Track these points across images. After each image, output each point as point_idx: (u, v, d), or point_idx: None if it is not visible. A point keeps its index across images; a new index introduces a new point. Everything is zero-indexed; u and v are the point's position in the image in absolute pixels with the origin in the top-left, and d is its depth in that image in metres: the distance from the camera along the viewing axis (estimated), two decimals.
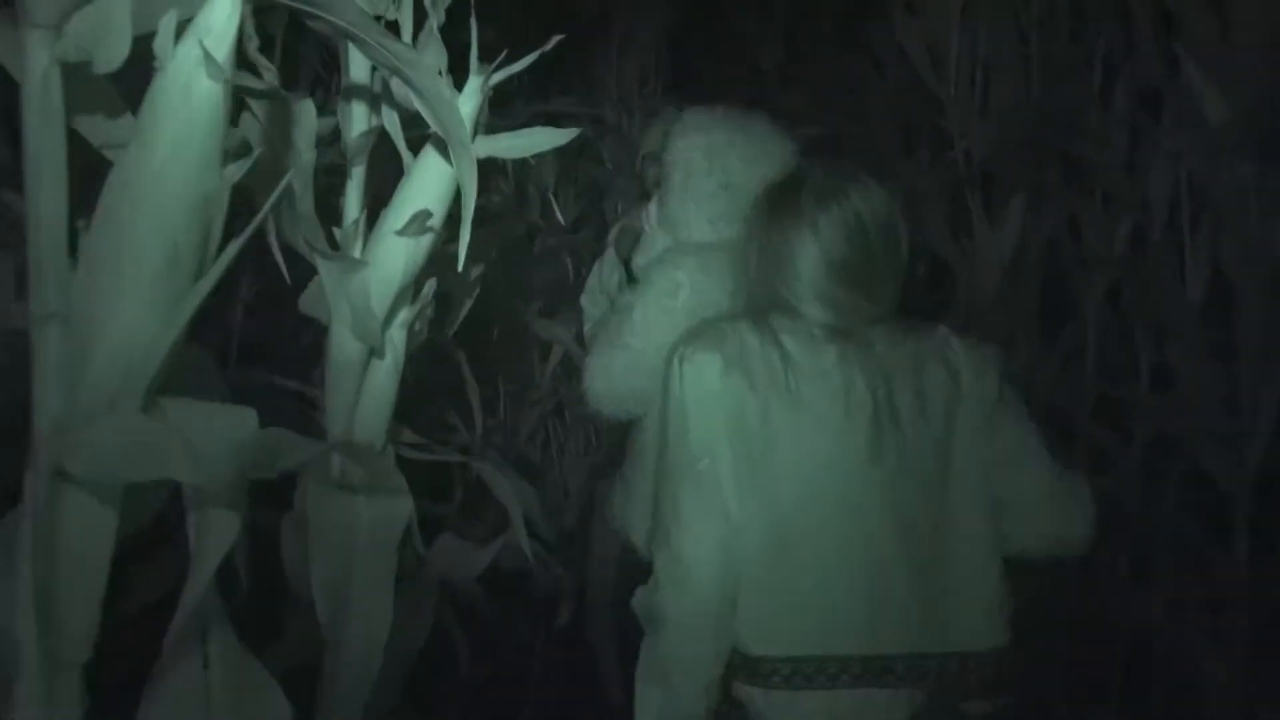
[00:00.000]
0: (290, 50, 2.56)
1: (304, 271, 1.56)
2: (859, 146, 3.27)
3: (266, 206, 0.86)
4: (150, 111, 0.80)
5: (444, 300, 1.92)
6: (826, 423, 1.38)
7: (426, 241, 1.46)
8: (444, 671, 2.30)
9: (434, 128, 1.21)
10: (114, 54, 0.78)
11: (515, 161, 3.04)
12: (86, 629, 0.81)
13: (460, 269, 1.24)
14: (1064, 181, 2.83)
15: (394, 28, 1.43)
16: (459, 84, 1.40)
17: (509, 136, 1.48)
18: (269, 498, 1.47)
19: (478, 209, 2.05)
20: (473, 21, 1.36)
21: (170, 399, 0.84)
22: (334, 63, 2.67)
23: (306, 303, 1.61)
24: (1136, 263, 2.77)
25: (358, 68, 1.47)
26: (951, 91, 2.82)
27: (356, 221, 1.50)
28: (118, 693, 0.90)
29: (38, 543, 0.79)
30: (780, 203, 1.46)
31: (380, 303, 1.48)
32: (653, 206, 2.34)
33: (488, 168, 1.50)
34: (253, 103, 1.28)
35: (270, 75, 1.01)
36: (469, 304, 1.89)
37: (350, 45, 1.28)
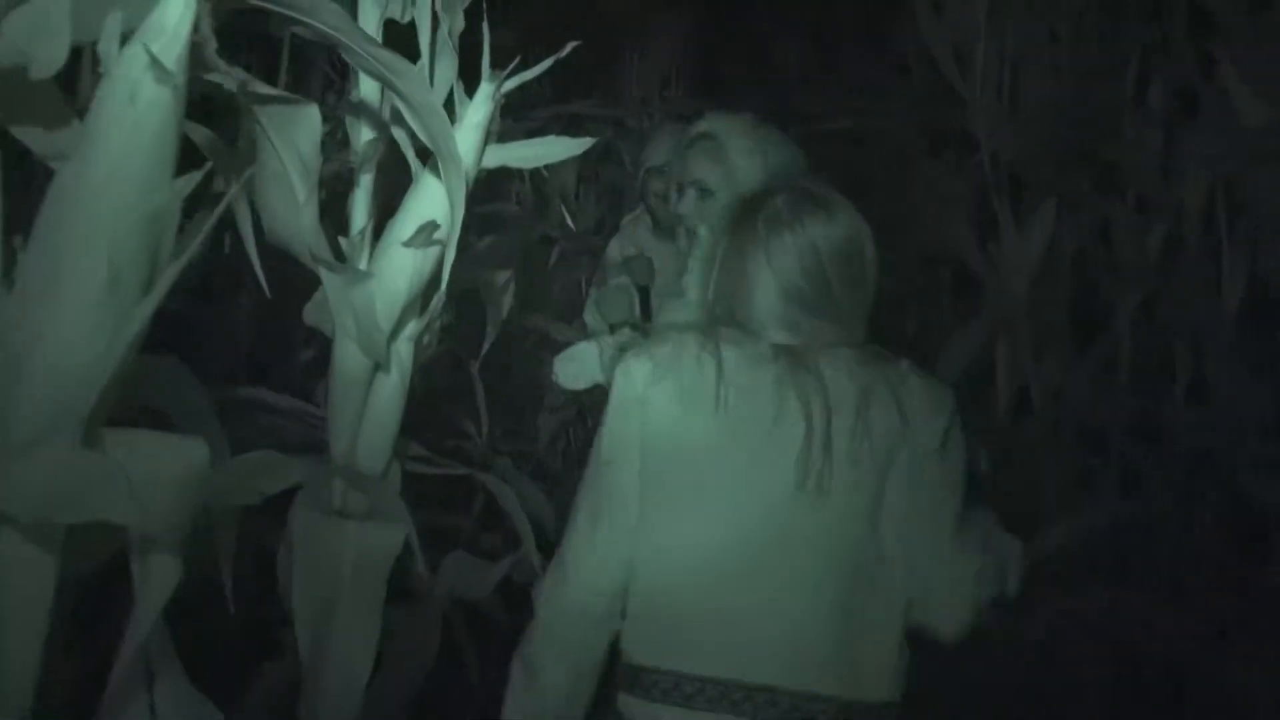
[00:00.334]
0: (302, 54, 2.54)
1: (312, 282, 1.52)
2: (882, 149, 3.19)
3: (216, 211, 0.80)
4: (94, 120, 0.75)
5: (466, 309, 1.88)
6: (752, 442, 1.33)
7: (434, 253, 1.40)
8: (454, 683, 2.25)
9: (422, 137, 1.15)
10: (52, 57, 0.73)
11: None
12: (25, 682, 0.75)
13: (444, 285, 1.19)
14: (1095, 186, 2.75)
15: (408, 30, 1.39)
16: (472, 90, 1.35)
17: (521, 146, 1.43)
18: (279, 512, 1.42)
19: (492, 215, 2.00)
20: (484, 27, 1.31)
21: (114, 430, 0.78)
22: (345, 67, 2.64)
23: (311, 314, 1.57)
24: (1171, 271, 2.69)
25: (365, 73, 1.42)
26: (978, 92, 2.74)
27: (363, 231, 1.46)
28: None
29: None
30: (740, 222, 1.43)
31: (386, 315, 1.43)
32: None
33: (502, 173, 1.46)
34: (256, 108, 1.23)
35: (230, 80, 0.94)
36: (502, 316, 1.84)
37: None
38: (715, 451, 1.34)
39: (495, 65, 1.34)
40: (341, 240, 1.47)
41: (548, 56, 1.36)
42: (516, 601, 2.05)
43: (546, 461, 3.69)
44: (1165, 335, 2.76)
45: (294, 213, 1.32)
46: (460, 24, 1.35)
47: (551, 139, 1.44)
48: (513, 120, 3.03)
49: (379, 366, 1.49)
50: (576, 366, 2.74)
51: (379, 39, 1.32)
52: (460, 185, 1.15)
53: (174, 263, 0.77)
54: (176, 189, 0.77)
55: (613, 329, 2.62)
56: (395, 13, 1.38)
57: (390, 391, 1.51)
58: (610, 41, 3.73)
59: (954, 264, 3.03)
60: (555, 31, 3.62)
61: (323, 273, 1.41)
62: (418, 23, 1.37)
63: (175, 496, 0.75)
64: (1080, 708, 2.85)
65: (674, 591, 1.35)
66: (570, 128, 3.69)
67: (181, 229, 0.83)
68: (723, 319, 1.41)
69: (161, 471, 0.75)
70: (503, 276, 1.94)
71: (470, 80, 1.35)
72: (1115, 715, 2.83)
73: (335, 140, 1.94)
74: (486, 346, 1.95)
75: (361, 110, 1.43)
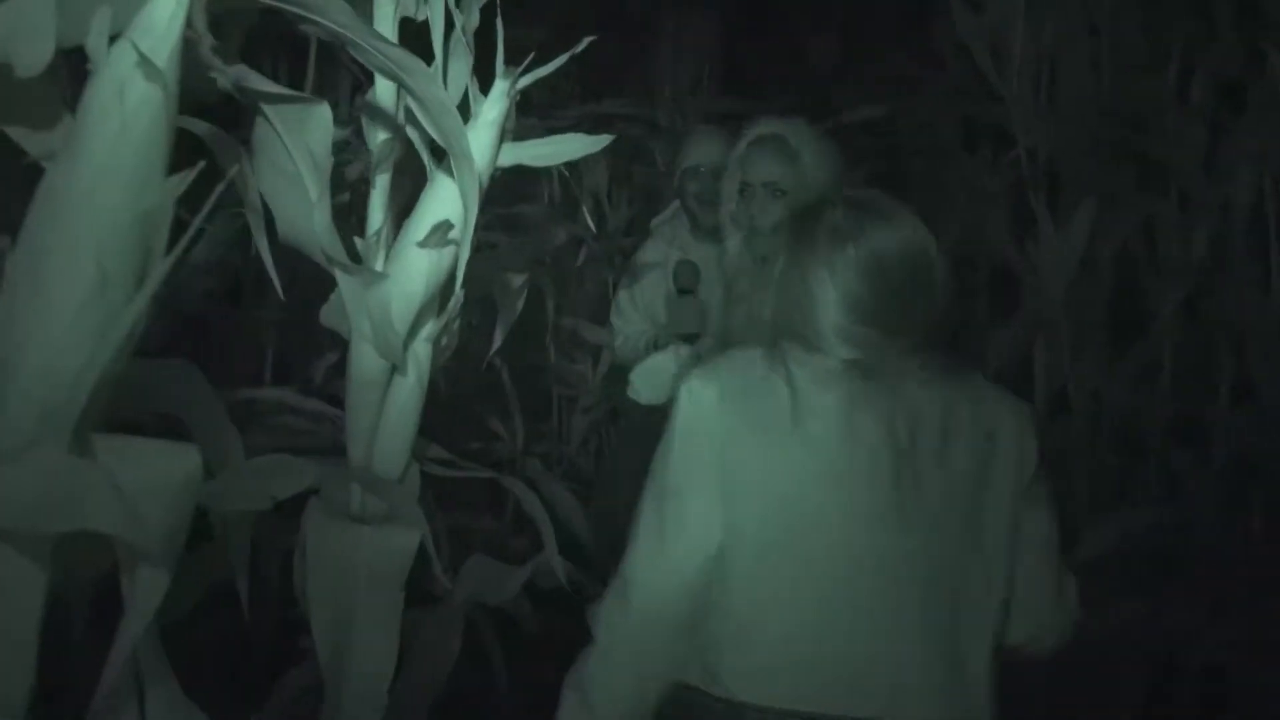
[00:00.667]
0: (329, 54, 2.54)
1: (330, 280, 1.51)
2: (917, 146, 3.15)
3: (201, 214, 0.77)
4: (82, 118, 0.73)
5: (490, 308, 1.86)
6: (832, 465, 1.28)
7: (450, 254, 1.39)
8: (481, 688, 2.24)
9: (434, 136, 1.13)
10: (37, 56, 0.71)
11: (567, 165, 3.00)
12: (18, 692, 0.73)
13: (459, 286, 1.17)
14: (1137, 183, 2.69)
15: (423, 29, 1.37)
16: (486, 87, 1.33)
17: (538, 144, 1.40)
18: (287, 512, 1.41)
19: (515, 216, 1.98)
20: (498, 23, 1.29)
21: (102, 436, 0.76)
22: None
23: (328, 316, 1.55)
24: (1216, 270, 2.62)
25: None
26: (1014, 88, 2.68)
27: (379, 232, 1.44)
28: None
29: None
30: (799, 237, 1.38)
31: (402, 317, 1.42)
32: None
33: (532, 174, 1.44)
34: (266, 107, 1.22)
35: (225, 78, 0.92)
36: (513, 317, 1.82)
37: None
38: (793, 476, 1.29)
39: (517, 63, 1.32)
40: (358, 241, 1.46)
41: (579, 56, 1.33)
42: (545, 606, 2.04)
43: (578, 463, 3.69)
44: (1209, 336, 2.68)
45: (306, 213, 1.30)
46: (475, 21, 1.32)
47: (569, 136, 1.42)
48: (540, 120, 3.02)
49: (396, 368, 1.47)
50: (655, 380, 2.72)
51: (395, 37, 1.30)
52: (473, 184, 1.13)
53: (162, 261, 0.75)
54: (168, 188, 0.75)
55: (683, 292, 2.62)
56: (410, 10, 1.36)
57: (408, 393, 1.50)
58: (641, 40, 3.71)
59: (991, 263, 2.98)
60: (585, 30, 3.61)
61: (338, 274, 1.40)
62: (430, 20, 1.35)
63: (166, 505, 0.73)
64: (1119, 718, 2.79)
65: (765, 622, 1.29)
66: (600, 127, 3.66)
67: (202, 232, 0.82)
68: (787, 336, 1.35)
69: (152, 479, 0.73)
70: (519, 278, 1.92)
71: (489, 78, 1.33)
72: None
73: (360, 141, 1.94)
74: (496, 346, 1.92)
75: (376, 110, 1.41)
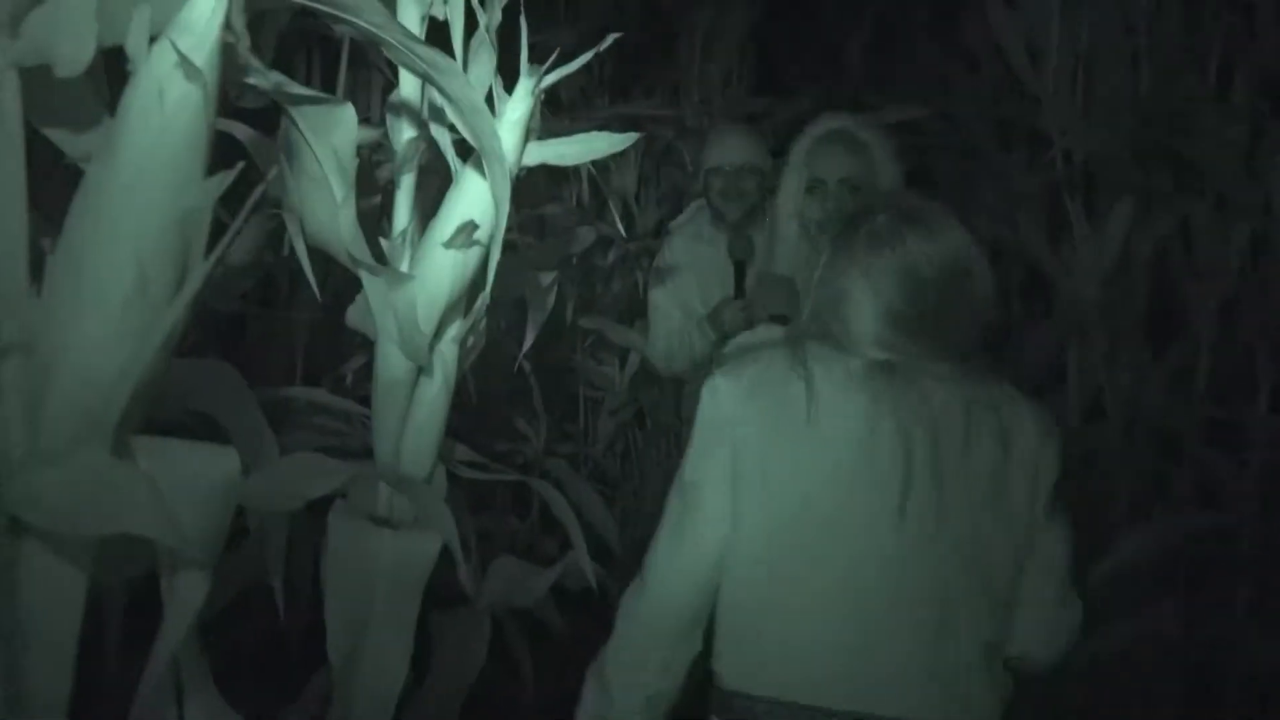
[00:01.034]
0: (361, 54, 2.55)
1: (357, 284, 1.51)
2: (951, 146, 3.11)
3: (242, 216, 0.77)
4: (122, 119, 0.73)
5: (520, 308, 1.86)
6: (846, 464, 1.29)
7: (476, 254, 1.38)
8: (510, 691, 2.23)
9: (465, 135, 1.13)
10: (77, 56, 0.71)
11: (596, 166, 3.01)
12: (56, 700, 0.73)
13: (488, 287, 1.16)
14: (1174, 184, 2.64)
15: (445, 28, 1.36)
16: (512, 86, 1.33)
17: (563, 143, 1.40)
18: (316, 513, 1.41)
19: (543, 218, 1.97)
20: (522, 20, 1.28)
21: (143, 438, 0.76)
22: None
23: (354, 317, 1.55)
24: (1255, 272, 2.57)
25: (407, 72, 1.40)
26: (1050, 88, 2.64)
27: (404, 233, 1.44)
28: None
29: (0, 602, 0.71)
30: (840, 240, 1.38)
31: (428, 318, 1.41)
32: None
33: (561, 175, 1.43)
34: (292, 109, 1.22)
35: (263, 79, 0.92)
36: (543, 318, 1.82)
37: None
38: (807, 473, 1.30)
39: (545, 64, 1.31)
40: (383, 242, 1.45)
41: (608, 56, 1.32)
42: (571, 609, 2.03)
43: (605, 465, 3.67)
44: (1247, 338, 2.63)
45: (332, 215, 1.30)
46: (498, 19, 1.32)
47: (594, 134, 1.41)
48: (570, 120, 3.02)
49: (422, 369, 1.47)
50: None
51: (422, 36, 1.30)
52: (505, 183, 1.12)
53: (204, 263, 0.75)
54: (207, 189, 0.75)
55: (738, 266, 2.57)
56: (436, 10, 1.36)
57: (434, 394, 1.49)
58: (671, 41, 3.69)
59: (1026, 264, 2.94)
60: (617, 30, 3.60)
61: (363, 275, 1.40)
62: (450, 19, 1.34)
63: (206, 507, 0.73)
64: None
65: (770, 617, 1.31)
66: (629, 128, 3.65)
67: (240, 234, 0.82)
68: (817, 335, 1.36)
69: (192, 481, 0.73)
70: (548, 278, 1.91)
71: (511, 78, 1.33)
72: None
73: (389, 142, 1.94)
74: (526, 347, 1.93)
75: (402, 110, 1.41)
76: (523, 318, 1.85)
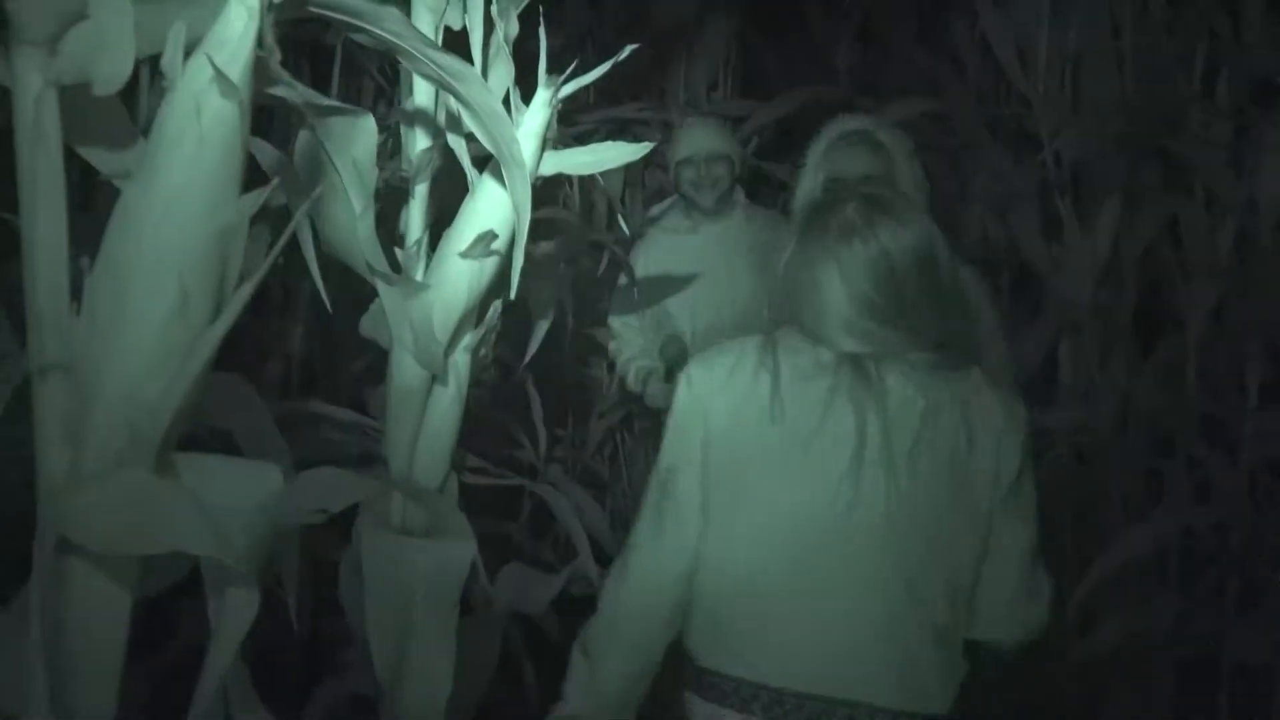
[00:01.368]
0: (351, 61, 2.53)
1: (359, 290, 1.50)
2: (942, 146, 3.12)
3: (285, 233, 0.77)
4: (158, 136, 0.72)
5: (512, 315, 1.85)
6: (806, 454, 1.33)
7: (491, 263, 1.38)
8: (513, 694, 2.23)
9: (485, 144, 1.13)
10: (115, 73, 0.70)
11: None
12: (104, 710, 0.73)
13: (513, 294, 1.17)
14: (1163, 183, 2.67)
15: (460, 37, 1.36)
16: (527, 96, 1.33)
17: (579, 152, 1.40)
18: (330, 525, 1.41)
19: (543, 223, 1.98)
20: (541, 32, 1.28)
21: (185, 455, 0.75)
22: (396, 75, 2.63)
23: (367, 326, 1.55)
24: (1243, 269, 2.60)
25: (422, 81, 1.39)
26: (1040, 89, 2.67)
27: (419, 242, 1.44)
28: None
29: (45, 620, 0.71)
30: (810, 230, 1.41)
31: (443, 327, 1.41)
32: None
33: (552, 179, 1.43)
34: (312, 120, 1.21)
35: (293, 92, 0.92)
36: (546, 325, 1.82)
37: None
38: (770, 462, 1.34)
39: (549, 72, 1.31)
40: (397, 251, 1.45)
41: (594, 60, 1.33)
42: (571, 613, 2.03)
43: (594, 468, 3.67)
44: (1237, 335, 2.66)
45: (351, 225, 1.30)
46: (515, 29, 1.32)
47: (609, 144, 1.41)
48: (566, 125, 3.00)
49: (436, 379, 1.47)
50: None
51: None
52: (526, 192, 1.13)
53: (246, 282, 0.75)
54: (243, 206, 0.75)
55: (669, 371, 2.81)
56: (451, 20, 1.36)
57: (448, 403, 1.49)
58: (657, 44, 3.69)
59: (1016, 264, 2.96)
60: (601, 35, 3.59)
61: (379, 285, 1.39)
62: (470, 28, 1.35)
63: (250, 523, 0.73)
64: (1152, 717, 2.78)
65: (733, 599, 1.37)
66: (617, 131, 3.66)
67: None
68: (790, 323, 1.40)
69: (236, 498, 0.73)
70: (550, 284, 1.92)
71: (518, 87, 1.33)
72: None
73: (385, 150, 1.93)
74: (530, 354, 1.93)
75: (416, 118, 1.41)
76: (510, 322, 1.86)
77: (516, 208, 1.17)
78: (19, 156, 0.71)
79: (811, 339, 1.36)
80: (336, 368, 2.49)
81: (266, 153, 1.12)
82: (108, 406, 0.72)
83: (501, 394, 2.88)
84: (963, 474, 1.33)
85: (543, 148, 1.34)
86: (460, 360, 1.48)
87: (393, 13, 0.95)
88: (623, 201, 3.75)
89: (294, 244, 1.31)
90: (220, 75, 0.71)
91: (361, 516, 1.38)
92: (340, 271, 1.42)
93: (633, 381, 3.00)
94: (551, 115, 1.32)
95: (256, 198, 0.75)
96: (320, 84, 2.58)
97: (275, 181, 0.79)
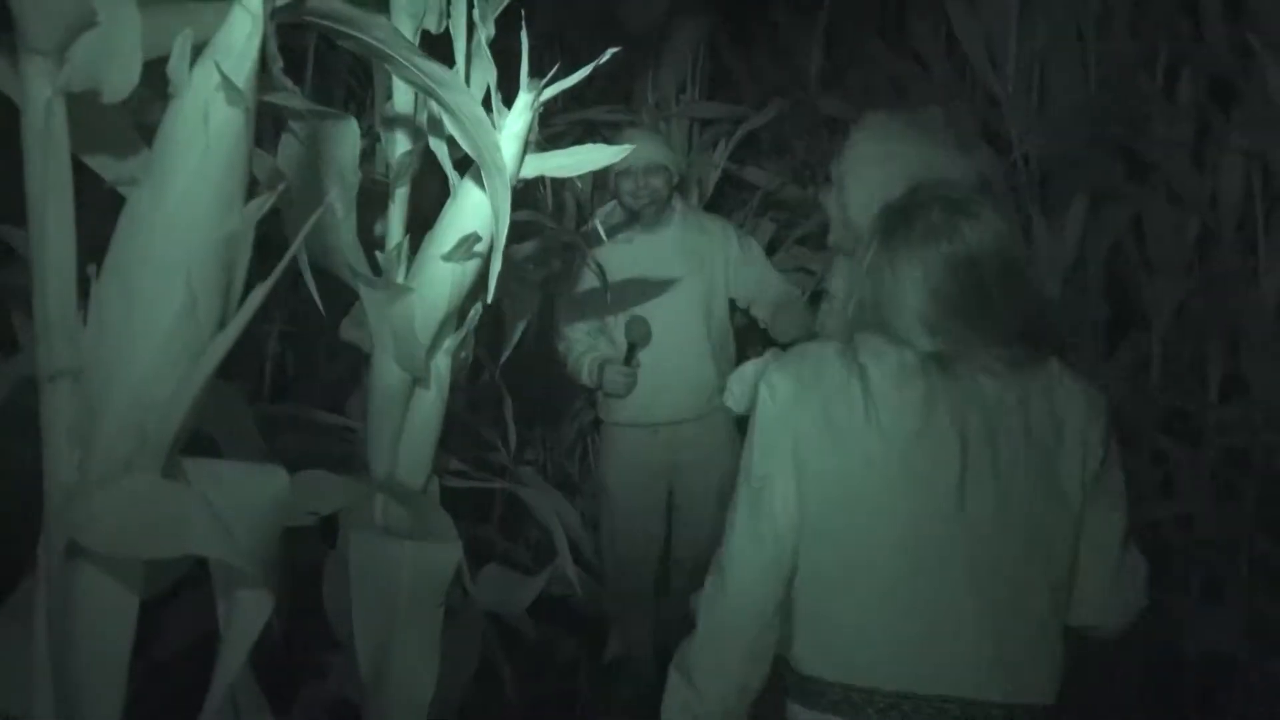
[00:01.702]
0: (322, 65, 2.52)
1: (335, 293, 1.50)
2: None
3: (297, 242, 0.77)
4: (165, 143, 0.73)
5: (496, 319, 1.86)
6: (906, 458, 1.33)
7: (473, 266, 1.38)
8: (489, 695, 2.23)
9: (466, 149, 1.14)
10: (123, 82, 0.70)
11: None
12: (110, 712, 0.73)
13: (490, 298, 1.18)
14: (1128, 181, 2.71)
15: (439, 40, 1.36)
16: (509, 99, 1.33)
17: (560, 155, 1.40)
18: (305, 530, 1.40)
19: (521, 225, 1.97)
20: (523, 36, 1.29)
21: (193, 459, 0.76)
22: (368, 77, 2.62)
23: (347, 330, 1.54)
24: (1205, 266, 2.65)
25: (401, 85, 1.39)
26: (1009, 90, 2.70)
27: (399, 246, 1.43)
28: None
29: (53, 622, 0.71)
30: (892, 232, 1.41)
31: (425, 330, 1.41)
32: None
33: (530, 181, 1.44)
34: (294, 124, 1.21)
35: (296, 98, 0.92)
36: (521, 327, 1.83)
37: None
38: (868, 468, 1.34)
39: (512, 72, 1.31)
40: (378, 255, 1.45)
41: (563, 62, 1.34)
42: (545, 615, 2.03)
43: (565, 469, 3.67)
44: (1199, 330, 2.71)
45: (333, 228, 1.30)
46: (493, 32, 1.32)
47: (588, 147, 1.42)
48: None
49: (418, 381, 1.47)
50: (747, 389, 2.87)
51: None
52: (506, 196, 1.13)
53: (259, 287, 0.75)
54: (249, 211, 0.75)
55: (632, 348, 2.87)
56: (430, 24, 1.36)
57: (429, 406, 1.50)
58: (626, 46, 3.69)
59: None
60: (571, 37, 3.58)
61: (361, 288, 1.39)
62: (453, 33, 1.35)
63: (257, 526, 0.73)
64: (1118, 710, 2.82)
65: (838, 605, 1.36)
66: (587, 134, 3.67)
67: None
68: (868, 327, 1.40)
69: (243, 501, 0.73)
70: (528, 287, 1.92)
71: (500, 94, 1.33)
72: (1154, 715, 2.80)
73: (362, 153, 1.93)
74: (505, 355, 1.94)
75: (396, 122, 1.41)
76: (482, 323, 1.86)
77: (496, 212, 1.17)
78: (28, 164, 0.71)
79: (894, 341, 1.36)
80: (313, 371, 2.47)
81: (259, 159, 1.12)
82: (117, 411, 0.72)
83: (471, 395, 2.88)
84: (1055, 465, 1.34)
85: (524, 150, 1.34)
86: (441, 363, 1.48)
87: (381, 21, 0.96)
88: (591, 204, 3.76)
89: (267, 248, 1.31)
90: (227, 82, 0.71)
91: (344, 519, 1.38)
92: (317, 275, 1.41)
93: (587, 375, 3.01)
94: (533, 118, 1.32)
95: (262, 203, 0.75)
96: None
97: (281, 187, 0.79)
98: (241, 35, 0.74)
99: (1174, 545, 2.71)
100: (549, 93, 1.31)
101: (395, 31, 0.98)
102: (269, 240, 1.44)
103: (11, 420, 0.77)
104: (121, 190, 0.80)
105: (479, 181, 1.32)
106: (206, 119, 0.72)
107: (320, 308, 1.27)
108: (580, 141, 2.30)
